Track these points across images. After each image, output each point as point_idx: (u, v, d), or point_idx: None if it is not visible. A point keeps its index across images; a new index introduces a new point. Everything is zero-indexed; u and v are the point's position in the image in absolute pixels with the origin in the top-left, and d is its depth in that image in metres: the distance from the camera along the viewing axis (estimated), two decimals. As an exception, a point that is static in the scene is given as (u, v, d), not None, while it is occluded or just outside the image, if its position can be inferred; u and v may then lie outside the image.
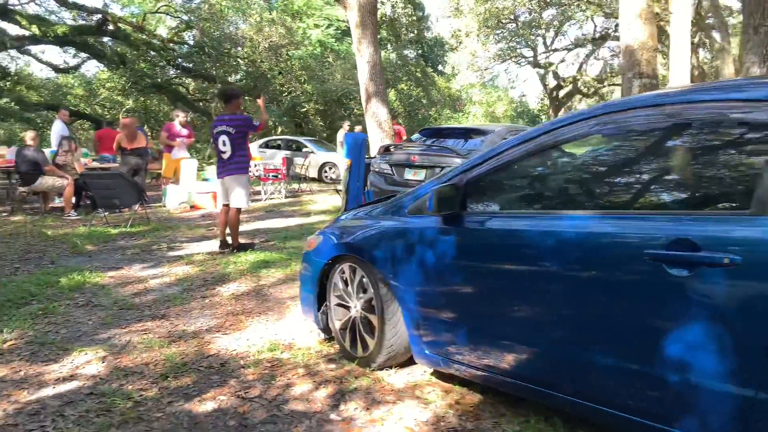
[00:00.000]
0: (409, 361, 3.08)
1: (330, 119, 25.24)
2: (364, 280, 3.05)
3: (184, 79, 24.83)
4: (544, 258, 2.24)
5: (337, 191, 9.49)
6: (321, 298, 3.43)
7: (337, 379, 3.00)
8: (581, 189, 2.40)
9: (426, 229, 2.70)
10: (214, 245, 6.81)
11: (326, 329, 3.45)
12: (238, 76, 25.18)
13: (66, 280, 5.03)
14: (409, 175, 7.28)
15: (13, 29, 20.39)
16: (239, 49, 23.55)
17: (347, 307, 3.24)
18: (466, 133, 7.86)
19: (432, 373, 3.04)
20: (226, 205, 6.23)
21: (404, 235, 2.81)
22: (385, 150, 7.80)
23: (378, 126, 10.98)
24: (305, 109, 24.08)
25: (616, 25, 28.12)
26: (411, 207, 2.86)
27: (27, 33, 19.98)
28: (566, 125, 2.34)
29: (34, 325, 3.93)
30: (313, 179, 15.81)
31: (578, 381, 2.20)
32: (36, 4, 23.13)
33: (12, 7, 20.14)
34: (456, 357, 2.64)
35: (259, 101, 6.72)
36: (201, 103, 24.82)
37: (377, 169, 7.63)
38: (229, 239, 6.35)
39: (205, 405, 2.75)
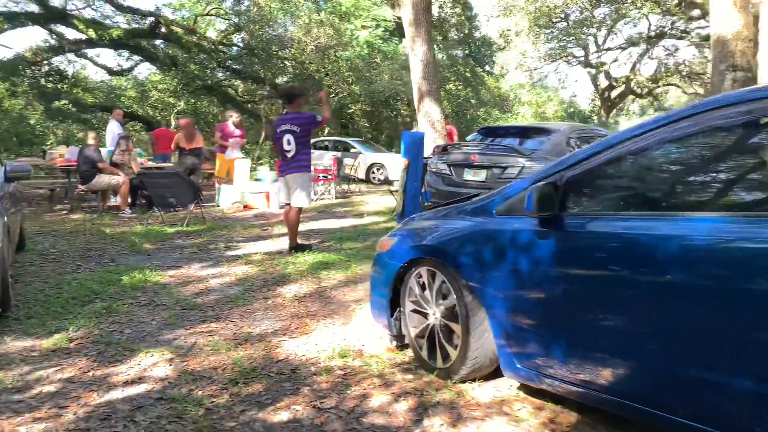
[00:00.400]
0: (493, 374, 2.86)
1: (376, 120, 25.14)
2: (445, 285, 2.85)
3: (233, 80, 25.13)
4: (664, 265, 1.99)
5: (391, 192, 9.31)
6: (394, 303, 3.24)
7: (417, 391, 2.81)
8: (718, 187, 2.12)
9: (520, 232, 2.48)
10: (270, 245, 6.74)
11: (399, 336, 3.26)
12: (286, 78, 25.34)
13: (128, 278, 4.99)
14: (469, 175, 7.05)
15: (71, 34, 21.07)
16: (287, 51, 23.71)
17: (424, 314, 3.04)
18: (527, 132, 7.58)
19: (519, 388, 2.81)
20: (288, 205, 6.12)
21: (494, 238, 2.59)
22: (443, 150, 7.58)
23: (431, 126, 10.77)
24: (351, 110, 24.04)
25: (672, 23, 27.22)
26: (501, 207, 2.64)
27: (83, 37, 20.55)
28: (709, 110, 2.04)
29: (99, 323, 3.87)
30: (361, 180, 15.69)
31: (700, 404, 1.94)
32: (92, 9, 23.78)
33: (70, 12, 20.75)
34: (551, 371, 2.41)
35: (321, 95, 6.60)
36: (249, 105, 25.08)
37: (434, 170, 7.42)
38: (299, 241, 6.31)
39: (280, 415, 2.60)
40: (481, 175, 6.94)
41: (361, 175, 16.08)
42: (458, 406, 2.65)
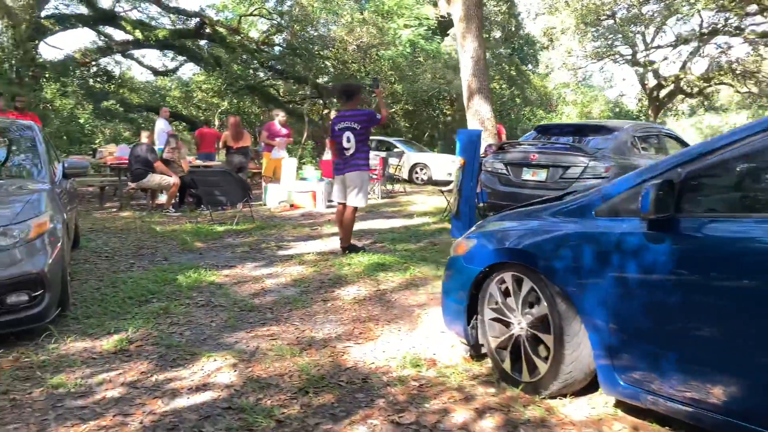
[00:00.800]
0: (584, 389, 2.61)
1: (417, 120, 24.87)
2: (534, 292, 2.61)
3: (275, 80, 25.25)
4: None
5: (441, 192, 9.08)
6: (470, 310, 3.02)
7: (502, 407, 2.58)
8: None
9: (627, 235, 2.23)
10: (321, 245, 6.59)
11: (476, 346, 3.04)
12: (326, 78, 25.33)
13: (183, 278, 4.89)
14: (527, 175, 6.77)
15: (118, 35, 21.47)
16: (329, 50, 23.68)
17: (506, 323, 2.81)
18: (588, 131, 7.27)
19: (616, 405, 2.55)
20: (342, 204, 5.95)
21: (596, 241, 2.34)
22: (499, 148, 7.32)
23: (480, 124, 10.48)
24: (392, 110, 23.83)
25: (726, 19, 26.16)
26: (601, 208, 2.39)
27: (130, 38, 20.91)
28: None
29: (157, 324, 3.76)
30: (404, 180, 15.48)
31: None
32: (138, 10, 24.20)
33: (119, 13, 21.13)
34: (658, 388, 2.16)
35: (378, 93, 6.32)
36: (291, 105, 25.14)
37: (490, 169, 7.16)
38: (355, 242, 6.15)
39: (356, 429, 2.41)
40: (541, 175, 6.65)
41: (405, 175, 15.87)
42: (550, 425, 2.41)
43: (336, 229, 7.56)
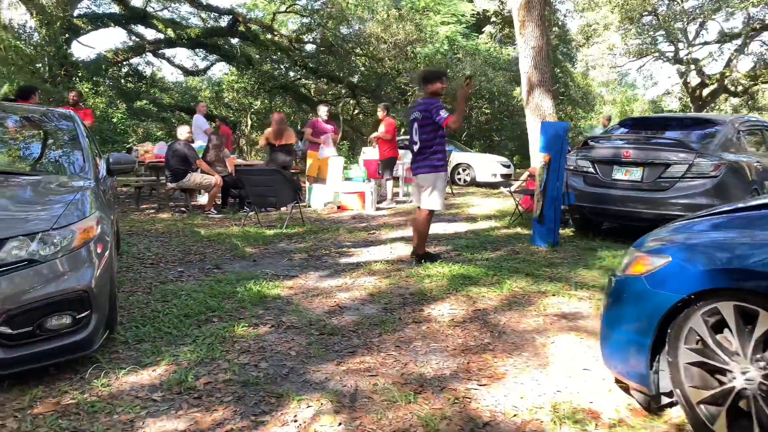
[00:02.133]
0: None
1: (455, 118, 24.06)
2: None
3: (307, 79, 24.71)
4: None
5: (510, 193, 8.30)
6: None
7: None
8: None
9: None
10: (385, 252, 5.88)
11: (657, 396, 2.28)
12: (357, 77, 24.68)
13: (243, 290, 4.21)
14: (619, 174, 5.97)
15: (150, 34, 21.10)
16: (362, 48, 23.03)
17: (718, 371, 2.05)
18: (684, 124, 6.46)
19: None
20: (419, 208, 5.21)
21: None
22: (584, 144, 6.53)
23: (541, 120, 9.64)
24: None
25: (775, 14, 24.85)
26: None
27: (162, 36, 20.51)
28: None
29: (225, 352, 3.07)
30: (449, 182, 14.70)
31: None
32: (169, 11, 23.78)
33: (150, 12, 20.75)
34: None
35: (460, 93, 5.14)
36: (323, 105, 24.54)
37: (573, 167, 6.37)
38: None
39: None
40: (636, 174, 5.84)
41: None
42: None
43: (395, 234, 6.91)
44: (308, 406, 2.47)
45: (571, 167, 6.33)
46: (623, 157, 5.92)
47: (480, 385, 2.69)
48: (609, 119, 15.26)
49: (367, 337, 3.37)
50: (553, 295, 4.17)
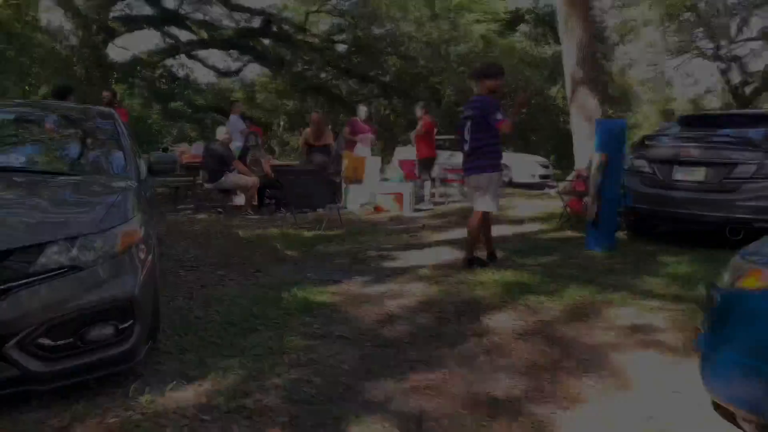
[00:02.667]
0: None
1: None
2: None
3: (339, 79, 24.59)
4: None
5: (559, 194, 7.96)
6: None
7: None
8: None
9: None
10: (431, 255, 5.62)
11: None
12: (389, 77, 24.45)
13: (288, 296, 4.00)
14: (681, 174, 5.61)
15: (183, 36, 21.21)
16: (392, 48, 22.81)
17: None
18: (747, 121, 6.09)
19: None
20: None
21: None
22: (641, 143, 6.18)
23: (586, 120, 9.24)
24: (460, 108, 22.76)
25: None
26: None
27: (195, 38, 20.60)
28: None
29: (274, 365, 2.85)
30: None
31: None
32: (201, 13, 23.87)
33: (184, 14, 20.84)
34: None
35: (520, 98, 5.01)
36: (356, 105, 24.39)
37: (628, 167, 6.02)
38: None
39: None
40: (698, 174, 5.48)
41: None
42: None
43: (438, 237, 6.66)
44: (369, 431, 2.23)
45: (627, 167, 5.98)
46: (684, 157, 5.56)
47: (560, 409, 2.42)
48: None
49: (424, 350, 3.12)
50: (621, 306, 3.86)
